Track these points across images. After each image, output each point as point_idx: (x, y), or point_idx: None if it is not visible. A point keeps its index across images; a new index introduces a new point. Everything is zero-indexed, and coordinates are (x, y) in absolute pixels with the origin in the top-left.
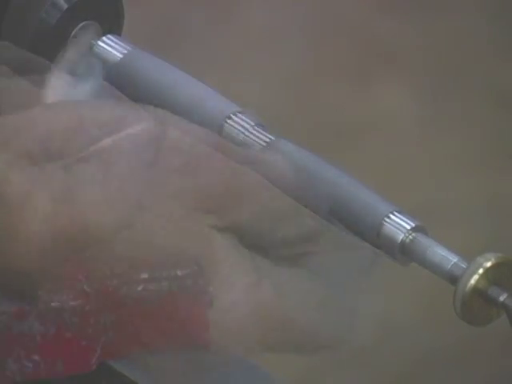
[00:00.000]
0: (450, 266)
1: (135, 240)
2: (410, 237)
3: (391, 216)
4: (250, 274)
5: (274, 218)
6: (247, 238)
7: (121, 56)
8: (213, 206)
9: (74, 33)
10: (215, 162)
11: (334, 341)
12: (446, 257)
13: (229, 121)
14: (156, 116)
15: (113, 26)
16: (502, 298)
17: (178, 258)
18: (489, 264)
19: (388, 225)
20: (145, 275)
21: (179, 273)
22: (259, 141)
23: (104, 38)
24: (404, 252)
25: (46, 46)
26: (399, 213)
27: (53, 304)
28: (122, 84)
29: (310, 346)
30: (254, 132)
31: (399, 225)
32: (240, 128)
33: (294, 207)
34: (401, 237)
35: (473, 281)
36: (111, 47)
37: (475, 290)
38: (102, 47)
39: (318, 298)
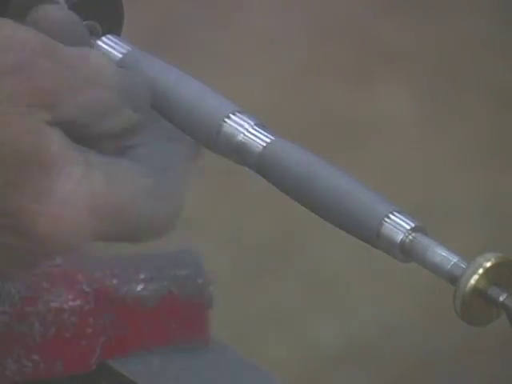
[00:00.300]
0: (449, 266)
1: None
2: (410, 237)
3: (391, 216)
4: (82, 165)
5: (98, 112)
6: (74, 132)
7: (120, 56)
8: (45, 102)
9: None
10: (46, 60)
11: (162, 226)
12: (445, 257)
13: (228, 120)
14: None
15: (113, 26)
16: (501, 298)
17: (14, 155)
18: (489, 264)
19: (388, 225)
20: (144, 275)
21: (179, 273)
22: (259, 140)
23: (104, 38)
24: (404, 252)
25: None
26: (399, 213)
27: (53, 304)
28: None
29: (140, 232)
30: (254, 131)
31: (399, 225)
32: (239, 128)
33: (116, 101)
34: (400, 237)
35: (473, 281)
36: (111, 47)
37: (475, 290)
38: (102, 47)
39: (145, 185)
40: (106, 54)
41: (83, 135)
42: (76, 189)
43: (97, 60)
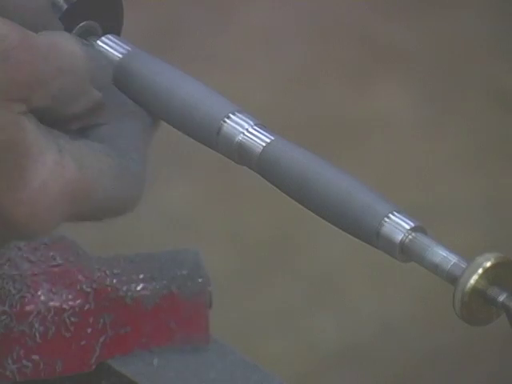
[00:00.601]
0: (449, 266)
1: None
2: (410, 237)
3: (391, 216)
4: (54, 153)
5: (68, 98)
6: (44, 116)
7: (120, 56)
8: (21, 95)
9: (73, 33)
10: (22, 53)
11: (127, 205)
12: (445, 257)
13: (228, 120)
14: None
15: (113, 25)
16: (501, 298)
17: None
18: (488, 264)
19: (387, 225)
20: (144, 275)
21: (179, 272)
22: (259, 140)
23: (104, 38)
24: (403, 252)
25: None
26: (399, 213)
27: (53, 304)
28: (122, 83)
29: (105, 212)
30: (254, 131)
31: (399, 225)
32: (239, 127)
33: (84, 84)
34: (400, 237)
35: (472, 281)
36: (111, 47)
37: (475, 290)
38: (102, 47)
39: (111, 166)
40: (72, 35)
41: (52, 118)
42: (50, 176)
43: (66, 46)
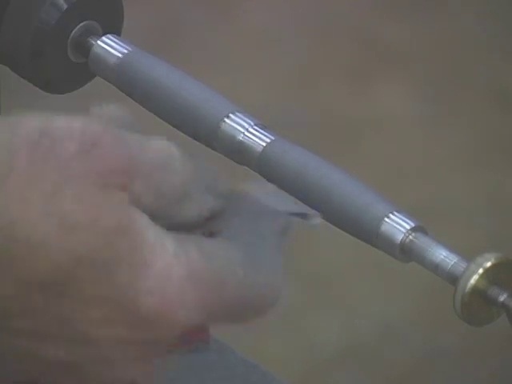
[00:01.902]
0: (449, 266)
1: (53, 223)
2: (410, 237)
3: (391, 216)
4: (173, 239)
5: (172, 197)
6: (154, 221)
7: (121, 56)
8: (120, 182)
9: (73, 33)
10: (114, 144)
11: (265, 303)
12: (446, 257)
13: (228, 120)
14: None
15: (112, 25)
16: (501, 298)
17: (98, 232)
18: (489, 264)
19: (387, 225)
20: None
21: None
22: (259, 140)
23: (104, 38)
24: (404, 252)
25: (46, 46)
26: (399, 213)
27: None
28: (122, 83)
29: (242, 312)
30: (254, 131)
31: (399, 225)
32: (239, 127)
33: (186, 187)
34: (400, 237)
35: (473, 281)
36: (111, 47)
37: (475, 290)
38: (102, 47)
39: (242, 260)
40: (168, 142)
41: (163, 225)
42: (173, 260)
43: (161, 145)
